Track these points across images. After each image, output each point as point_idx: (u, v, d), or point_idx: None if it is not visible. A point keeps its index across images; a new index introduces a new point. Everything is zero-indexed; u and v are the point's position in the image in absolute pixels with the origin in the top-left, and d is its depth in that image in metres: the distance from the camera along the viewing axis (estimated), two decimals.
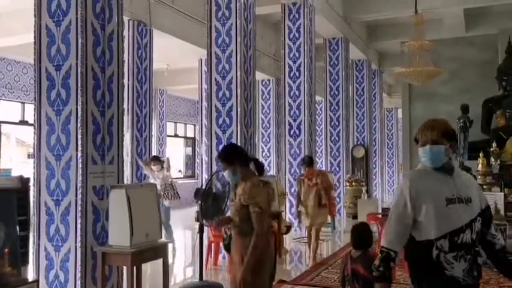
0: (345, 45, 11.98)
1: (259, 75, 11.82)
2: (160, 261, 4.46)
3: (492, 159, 10.00)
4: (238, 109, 6.88)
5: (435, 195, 2.25)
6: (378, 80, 16.26)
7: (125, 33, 6.32)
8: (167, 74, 12.20)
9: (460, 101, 12.45)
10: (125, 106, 6.60)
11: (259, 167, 3.70)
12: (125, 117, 6.62)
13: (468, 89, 13.46)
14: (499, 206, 8.58)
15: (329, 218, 7.96)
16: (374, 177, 15.64)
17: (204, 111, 9.53)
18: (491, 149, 10.14)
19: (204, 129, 9.20)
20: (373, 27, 14.07)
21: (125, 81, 6.48)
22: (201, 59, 10.51)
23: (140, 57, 8.40)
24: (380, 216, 7.10)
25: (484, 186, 9.68)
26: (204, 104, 9.19)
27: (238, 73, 6.88)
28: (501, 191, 9.41)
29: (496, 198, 8.89)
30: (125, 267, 4.42)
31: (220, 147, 7.04)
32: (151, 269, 5.62)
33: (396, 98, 18.99)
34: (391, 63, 15.65)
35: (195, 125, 17.27)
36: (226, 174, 3.55)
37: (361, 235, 4.37)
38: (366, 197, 11.34)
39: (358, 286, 4.25)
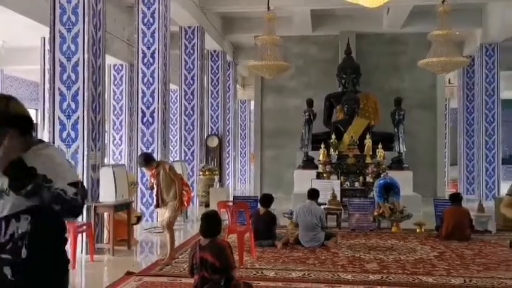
0: (201, 35, 11.99)
1: (111, 60, 11.25)
2: None
3: (332, 149, 10.95)
4: (85, 93, 6.44)
5: None
6: (233, 72, 16.66)
7: None
8: (4, 52, 10.99)
9: (305, 95, 13.40)
10: None
11: None
12: None
13: (313, 85, 14.53)
14: (336, 192, 9.46)
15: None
16: (227, 166, 16.05)
17: (46, 95, 8.77)
18: (331, 141, 11.09)
19: (46, 114, 8.45)
20: (229, 19, 14.35)
21: None
22: (44, 38, 9.60)
23: None
24: (230, 204, 7.30)
25: (324, 175, 10.58)
26: (47, 86, 8.44)
27: (86, 55, 6.43)
28: (338, 179, 10.38)
29: (333, 185, 9.78)
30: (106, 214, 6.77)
31: (64, 133, 6.53)
32: None
33: (249, 90, 19.68)
34: (245, 56, 16.14)
35: (37, 110, 15.77)
36: None
37: (209, 223, 4.42)
38: (218, 185, 11.56)
39: (206, 274, 4.30)
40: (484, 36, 13.44)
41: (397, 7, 12.20)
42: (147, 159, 6.27)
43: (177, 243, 7.60)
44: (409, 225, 8.67)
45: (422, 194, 11.40)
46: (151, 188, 6.31)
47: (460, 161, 15.49)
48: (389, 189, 8.89)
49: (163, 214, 6.18)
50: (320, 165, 10.79)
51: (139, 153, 8.53)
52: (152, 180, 6.19)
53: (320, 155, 10.80)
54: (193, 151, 11.83)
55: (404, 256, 6.58)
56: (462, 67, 13.53)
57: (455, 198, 8.28)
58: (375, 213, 8.73)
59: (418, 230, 8.47)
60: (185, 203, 6.32)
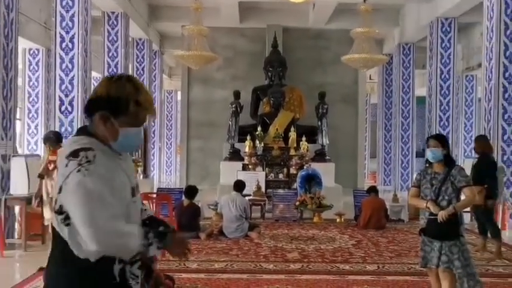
0: (125, 22, 11.58)
1: (25, 43, 10.57)
2: None
3: (257, 141, 11.06)
4: None
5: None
6: (159, 61, 16.30)
7: None
8: None
9: (233, 87, 13.40)
10: None
11: None
12: None
13: (240, 77, 14.56)
14: (260, 184, 9.58)
15: None
16: (152, 157, 15.70)
17: None
18: (257, 133, 11.20)
19: None
20: (155, 7, 13.98)
21: None
22: None
23: None
24: (154, 195, 7.16)
25: (250, 166, 10.67)
26: None
27: None
28: (263, 170, 10.51)
29: (258, 176, 9.89)
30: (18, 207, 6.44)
31: None
32: None
33: (176, 81, 19.35)
34: (172, 45, 15.83)
35: None
36: None
37: None
38: (141, 177, 11.28)
39: None
40: (402, 36, 14.16)
41: (322, 3, 12.52)
42: (59, 137, 5.54)
43: None
44: (330, 216, 8.99)
45: (344, 185, 11.84)
46: (42, 177, 5.43)
47: (378, 153, 16.27)
48: (311, 180, 9.15)
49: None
50: (246, 157, 10.86)
51: None
52: (51, 166, 5.31)
53: (246, 147, 10.87)
54: None
55: (324, 245, 6.81)
56: (382, 64, 14.20)
57: (372, 189, 8.72)
58: (297, 203, 8.95)
59: (338, 220, 8.80)
60: None
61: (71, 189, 1.61)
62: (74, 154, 1.65)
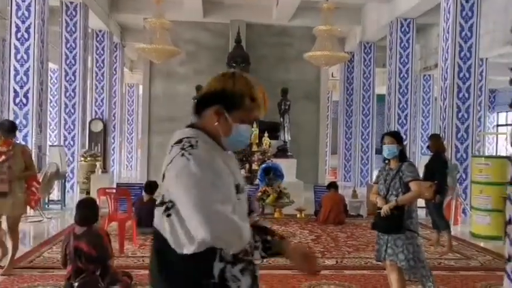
0: (84, 12, 11.28)
1: None
2: None
3: None
4: None
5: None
6: (120, 54, 15.97)
7: None
8: None
9: (195, 81, 13.26)
10: None
11: None
12: None
13: (203, 71, 14.42)
14: None
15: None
16: (112, 152, 15.41)
17: None
18: None
19: None
20: None
21: None
22: None
23: None
24: (113, 191, 7.00)
25: None
26: None
27: None
28: None
29: None
30: None
31: None
32: None
33: (138, 74, 19.03)
34: (134, 38, 15.53)
35: None
36: None
37: (85, 211, 4.20)
38: (100, 172, 11.05)
39: (81, 264, 4.08)
40: (363, 34, 14.42)
41: (286, 0, 12.57)
42: (13, 127, 5.08)
43: (53, 233, 7.16)
44: (291, 211, 9.07)
45: (305, 181, 11.97)
46: None
47: (339, 150, 16.54)
48: (271, 173, 9.17)
49: (7, 206, 4.82)
50: None
51: None
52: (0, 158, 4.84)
53: None
54: (74, 135, 11.15)
55: None
56: (343, 62, 14.41)
57: (332, 185, 8.86)
58: (258, 194, 8.98)
59: (298, 215, 8.89)
60: (33, 202, 5.14)
61: (176, 173, 1.53)
62: (178, 142, 1.60)
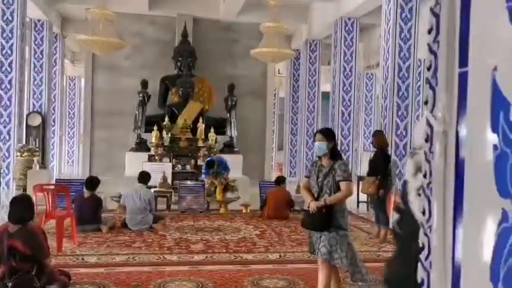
0: (22, 1, 10.73)
1: None
2: None
3: (164, 132, 10.86)
4: None
5: None
6: (60, 45, 15.33)
7: None
8: None
9: (141, 75, 13.03)
10: None
11: None
12: None
13: (148, 65, 14.17)
14: (166, 175, 9.43)
15: None
16: (52, 147, 14.80)
17: None
18: (164, 123, 10.99)
19: None
20: None
21: None
22: None
23: None
24: (51, 187, 6.73)
25: (156, 157, 10.45)
26: None
27: None
28: (170, 162, 10.36)
29: (165, 168, 9.73)
30: None
31: None
32: None
33: (80, 67, 18.35)
34: (75, 29, 14.94)
35: None
36: None
37: (19, 208, 4.03)
38: (38, 167, 10.58)
39: (15, 263, 3.92)
40: (309, 32, 14.63)
41: None
42: None
43: None
44: (236, 207, 9.09)
45: (251, 176, 12.03)
46: None
47: (285, 146, 16.73)
48: (213, 165, 9.15)
49: None
50: (152, 148, 10.63)
51: None
52: None
53: (153, 138, 10.63)
54: (9, 129, 10.60)
55: (229, 236, 6.88)
56: (290, 59, 14.58)
57: (281, 180, 8.96)
58: (207, 183, 8.96)
59: (244, 211, 8.93)
60: None
61: None
62: None
